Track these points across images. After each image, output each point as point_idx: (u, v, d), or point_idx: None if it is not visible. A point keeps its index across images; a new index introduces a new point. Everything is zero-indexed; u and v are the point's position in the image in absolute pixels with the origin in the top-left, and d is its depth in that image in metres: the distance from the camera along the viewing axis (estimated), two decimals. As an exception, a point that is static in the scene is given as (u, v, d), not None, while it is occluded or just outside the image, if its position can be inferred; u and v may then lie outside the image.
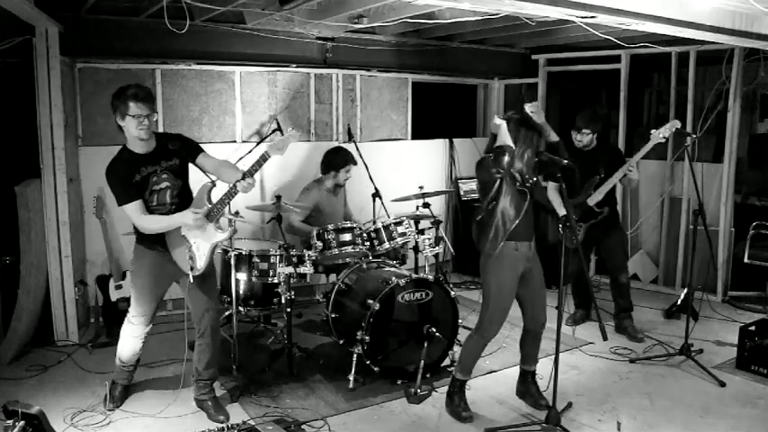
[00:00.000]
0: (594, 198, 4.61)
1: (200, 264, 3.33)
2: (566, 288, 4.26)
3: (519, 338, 3.72)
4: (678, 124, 4.39)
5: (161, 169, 3.31)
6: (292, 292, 4.08)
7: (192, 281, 3.31)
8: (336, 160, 4.98)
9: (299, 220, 4.84)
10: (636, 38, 5.03)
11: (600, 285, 6.11)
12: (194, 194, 3.42)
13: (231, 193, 3.21)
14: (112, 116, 3.23)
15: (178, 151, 3.35)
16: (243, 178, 3.13)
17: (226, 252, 4.29)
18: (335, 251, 4.37)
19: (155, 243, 3.39)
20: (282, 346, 4.19)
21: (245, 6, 4.62)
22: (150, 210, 3.30)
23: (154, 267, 3.44)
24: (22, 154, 4.55)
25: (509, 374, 4.06)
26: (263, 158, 3.16)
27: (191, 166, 3.45)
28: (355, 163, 5.04)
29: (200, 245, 3.33)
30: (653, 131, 4.38)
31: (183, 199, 3.41)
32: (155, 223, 3.31)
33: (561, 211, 4.60)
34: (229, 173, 3.30)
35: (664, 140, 4.41)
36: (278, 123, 5.45)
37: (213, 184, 3.37)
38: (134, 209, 3.23)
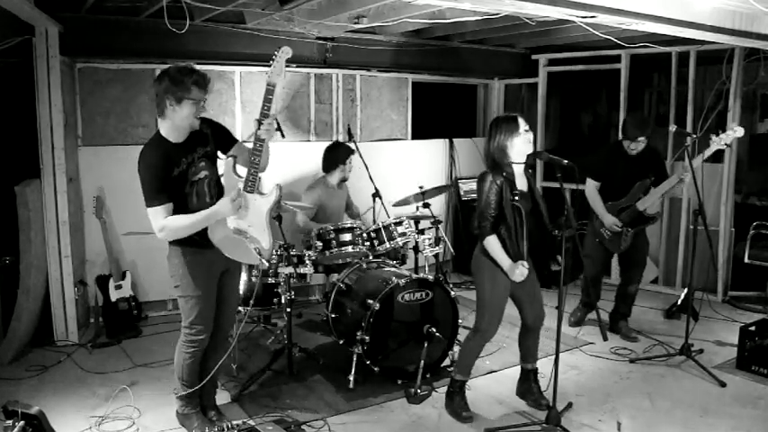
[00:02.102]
0: (645, 202, 4.50)
1: (266, 242, 3.00)
2: (566, 288, 4.25)
3: (518, 337, 3.71)
4: (741, 132, 4.20)
5: (198, 156, 3.02)
6: (292, 292, 4.08)
7: (265, 264, 3.02)
8: (339, 154, 5.00)
9: (304, 219, 4.85)
10: (636, 38, 5.03)
11: (604, 286, 6.08)
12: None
13: (257, 148, 2.95)
14: (163, 102, 2.90)
15: (211, 135, 3.09)
16: (259, 126, 2.92)
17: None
18: (335, 251, 4.37)
19: (197, 235, 3.02)
20: (282, 346, 4.19)
21: (245, 6, 4.62)
22: (190, 210, 2.98)
23: (205, 265, 3.11)
24: (21, 154, 4.55)
25: (509, 374, 4.06)
26: (269, 92, 2.94)
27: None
28: (354, 152, 5.08)
29: (254, 224, 3.00)
30: (713, 137, 4.20)
31: (222, 194, 3.09)
32: (181, 224, 2.90)
33: (599, 211, 4.59)
34: (246, 150, 3.08)
35: (725, 147, 4.27)
36: (278, 123, 5.41)
37: (235, 157, 3.07)
38: (161, 212, 2.87)
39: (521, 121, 3.33)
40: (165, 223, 2.88)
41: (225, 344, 3.47)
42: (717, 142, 4.19)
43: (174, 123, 2.95)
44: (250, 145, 3.08)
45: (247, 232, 3.01)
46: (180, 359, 3.25)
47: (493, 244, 3.31)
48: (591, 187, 4.65)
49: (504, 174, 3.32)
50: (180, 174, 2.96)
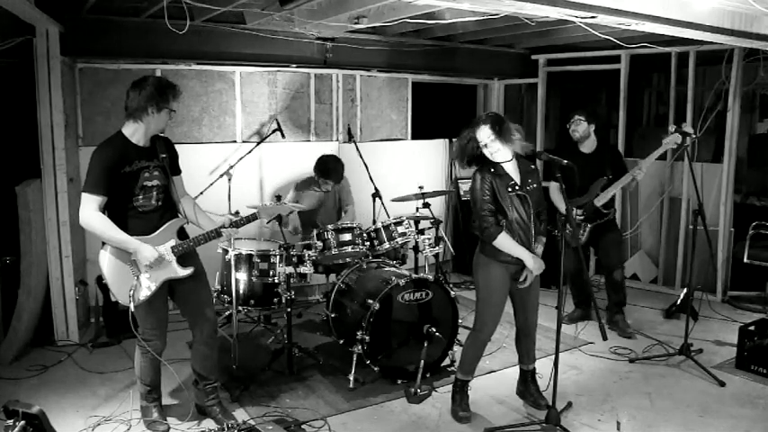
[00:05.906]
0: (601, 199, 4.65)
1: (142, 296, 3.15)
2: (565, 288, 4.24)
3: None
4: (690, 131, 4.41)
5: (153, 165, 3.20)
6: (292, 292, 4.09)
7: (124, 306, 3.12)
8: (317, 173, 5.01)
9: (294, 222, 4.88)
10: (636, 38, 5.04)
11: (600, 285, 6.11)
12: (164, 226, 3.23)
13: (210, 236, 3.26)
14: (144, 110, 3.07)
15: (167, 158, 3.26)
16: (230, 226, 3.29)
17: (226, 252, 4.30)
18: (335, 251, 4.38)
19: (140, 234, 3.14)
20: (282, 346, 4.19)
21: (245, 6, 4.62)
22: (135, 207, 3.13)
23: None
24: (22, 154, 4.56)
25: (509, 374, 4.07)
26: (253, 217, 3.38)
27: None
28: (337, 181, 5.02)
29: (153, 276, 3.16)
30: (664, 138, 4.42)
31: (168, 204, 3.28)
32: (103, 228, 3.04)
33: (562, 209, 4.66)
34: (204, 218, 3.37)
35: (675, 146, 4.51)
36: (278, 123, 5.45)
37: (186, 221, 3.32)
38: (93, 201, 3.02)
39: (480, 133, 3.22)
40: (94, 217, 3.04)
41: (203, 348, 3.46)
42: (666, 144, 4.42)
43: (149, 128, 3.16)
44: (271, 205, 3.58)
45: (140, 275, 3.15)
46: (135, 359, 3.48)
47: (505, 242, 3.28)
48: (553, 187, 4.78)
49: (492, 170, 3.30)
50: (130, 172, 3.12)
